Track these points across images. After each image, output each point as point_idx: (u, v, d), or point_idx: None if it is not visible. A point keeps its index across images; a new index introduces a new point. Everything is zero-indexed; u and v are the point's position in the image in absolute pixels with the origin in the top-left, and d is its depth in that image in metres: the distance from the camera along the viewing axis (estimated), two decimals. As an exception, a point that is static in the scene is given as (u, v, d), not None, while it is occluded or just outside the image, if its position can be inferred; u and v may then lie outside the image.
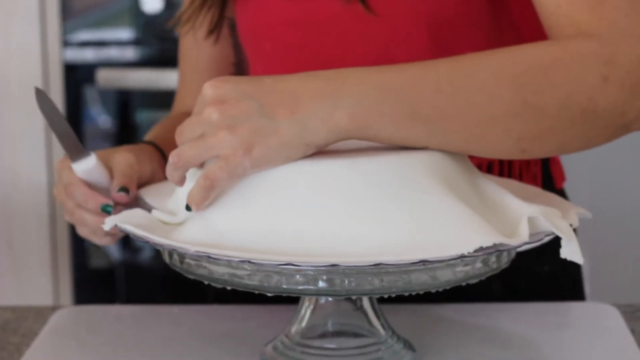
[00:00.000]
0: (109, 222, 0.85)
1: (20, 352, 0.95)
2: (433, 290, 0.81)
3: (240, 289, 0.81)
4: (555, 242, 0.81)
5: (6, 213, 2.13)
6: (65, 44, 2.22)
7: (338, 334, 0.89)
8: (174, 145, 0.84)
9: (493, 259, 0.82)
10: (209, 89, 0.81)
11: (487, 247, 0.78)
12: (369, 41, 1.00)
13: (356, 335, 0.89)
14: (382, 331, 0.90)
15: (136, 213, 0.86)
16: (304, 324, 0.90)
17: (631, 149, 2.25)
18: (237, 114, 0.79)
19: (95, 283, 2.39)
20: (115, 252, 2.39)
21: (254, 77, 0.83)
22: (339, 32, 1.01)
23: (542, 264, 1.07)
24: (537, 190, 0.96)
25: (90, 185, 0.93)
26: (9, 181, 2.12)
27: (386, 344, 0.89)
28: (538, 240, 0.81)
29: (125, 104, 2.42)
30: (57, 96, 2.12)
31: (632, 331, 0.98)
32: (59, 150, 2.12)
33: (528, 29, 1.00)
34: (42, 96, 0.90)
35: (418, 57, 0.85)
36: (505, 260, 0.84)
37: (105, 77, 2.29)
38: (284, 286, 0.79)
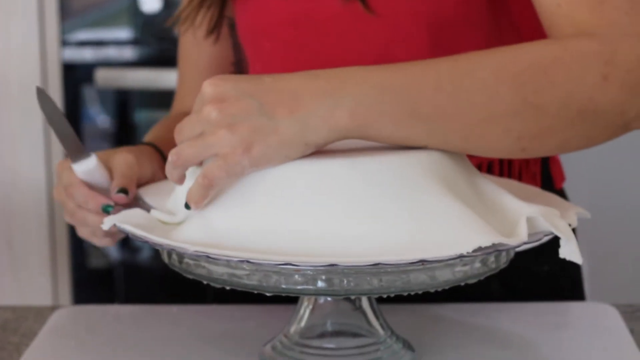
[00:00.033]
0: (107, 222, 0.85)
1: (20, 352, 0.95)
2: (432, 290, 0.81)
3: (239, 289, 0.81)
4: (555, 242, 0.81)
5: (6, 213, 2.13)
6: (64, 43, 2.22)
7: (337, 333, 0.89)
8: (173, 145, 0.83)
9: (492, 258, 0.82)
10: (209, 87, 0.80)
11: (486, 247, 0.78)
12: (368, 41, 1.00)
13: (355, 335, 0.89)
14: (381, 331, 0.90)
15: (135, 213, 0.86)
16: (302, 323, 0.90)
17: (631, 149, 2.25)
18: (237, 113, 0.79)
19: (95, 283, 2.39)
20: (114, 252, 2.39)
21: (253, 75, 0.83)
22: (339, 32, 1.01)
23: (541, 263, 1.07)
24: (536, 190, 0.96)
25: (90, 186, 0.93)
26: (8, 181, 2.12)
27: (385, 344, 0.89)
28: (537, 240, 0.81)
29: (124, 104, 2.42)
30: (56, 96, 2.12)
31: (632, 331, 0.98)
32: (58, 150, 2.12)
33: (528, 29, 1.00)
34: (43, 96, 0.90)
35: (418, 57, 0.85)
36: (504, 260, 0.84)
37: (103, 77, 2.29)
38: (283, 286, 0.79)
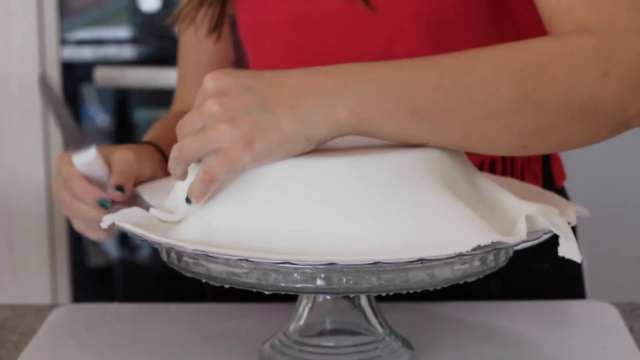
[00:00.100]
0: (106, 221, 0.85)
1: (19, 350, 0.95)
2: (431, 289, 0.81)
3: (237, 287, 0.81)
4: (555, 240, 0.81)
5: (5, 212, 2.13)
6: (63, 42, 2.22)
7: (336, 332, 0.89)
8: (173, 144, 0.83)
9: (491, 257, 0.82)
10: (210, 82, 0.80)
11: (485, 246, 0.78)
12: (369, 40, 1.00)
13: (354, 333, 0.89)
14: (380, 329, 0.90)
15: (134, 211, 0.86)
16: (301, 322, 0.90)
17: (631, 147, 2.25)
18: (238, 107, 0.79)
19: (94, 281, 2.39)
20: (113, 251, 2.39)
21: (254, 71, 0.82)
22: (339, 31, 1.01)
23: (541, 262, 1.07)
24: (535, 189, 0.96)
25: (88, 179, 0.93)
26: (8, 180, 2.12)
27: (384, 342, 0.89)
28: (536, 239, 0.81)
29: (123, 103, 2.42)
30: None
31: (631, 329, 0.98)
32: (57, 149, 2.12)
33: (528, 28, 1.00)
34: (46, 86, 0.89)
35: (418, 56, 0.84)
36: (503, 259, 0.84)
37: (103, 76, 2.29)
38: (282, 284, 0.79)
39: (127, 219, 0.84)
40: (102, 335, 0.97)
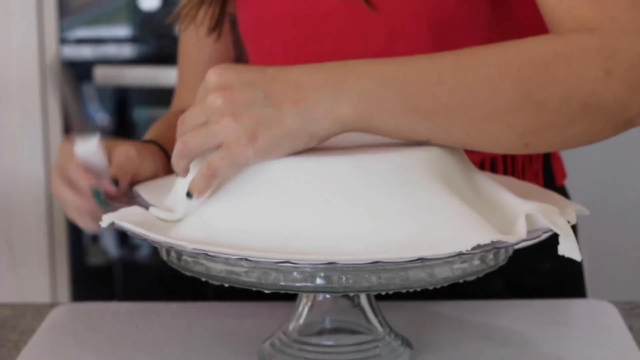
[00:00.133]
0: (106, 220, 0.85)
1: (19, 349, 0.95)
2: (431, 288, 0.81)
3: (237, 286, 0.81)
4: (555, 239, 0.81)
5: (4, 211, 2.13)
6: (63, 41, 2.22)
7: (336, 331, 0.89)
8: (174, 143, 0.83)
9: (490, 256, 0.82)
10: (213, 76, 0.80)
11: (485, 245, 0.78)
12: (369, 38, 1.00)
13: (354, 332, 0.89)
14: (379, 328, 0.90)
15: (134, 210, 0.86)
16: (301, 321, 0.90)
17: (632, 146, 2.25)
18: (242, 102, 0.79)
19: (93, 280, 2.39)
20: (113, 250, 2.39)
21: (256, 66, 0.82)
22: (339, 29, 1.01)
23: (542, 261, 1.07)
24: (534, 188, 0.96)
25: (86, 168, 0.93)
26: (7, 180, 2.12)
27: (384, 341, 0.89)
28: (536, 238, 0.81)
29: (123, 102, 2.42)
30: (54, 94, 2.11)
31: (630, 328, 0.98)
32: (56, 148, 2.12)
33: (529, 26, 1.00)
34: (63, 68, 0.89)
35: (419, 54, 0.84)
36: (502, 258, 0.84)
37: (102, 75, 2.29)
38: (282, 283, 0.79)
39: (127, 218, 0.84)
40: (102, 334, 0.97)
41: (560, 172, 1.12)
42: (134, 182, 0.96)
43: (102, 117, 2.44)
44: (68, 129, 0.97)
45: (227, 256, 0.77)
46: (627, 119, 0.84)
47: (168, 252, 0.84)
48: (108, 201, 0.92)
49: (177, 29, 1.18)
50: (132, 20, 2.40)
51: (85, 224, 0.97)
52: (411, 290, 0.81)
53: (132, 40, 2.36)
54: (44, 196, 2.13)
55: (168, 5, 2.34)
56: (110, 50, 2.35)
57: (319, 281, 0.79)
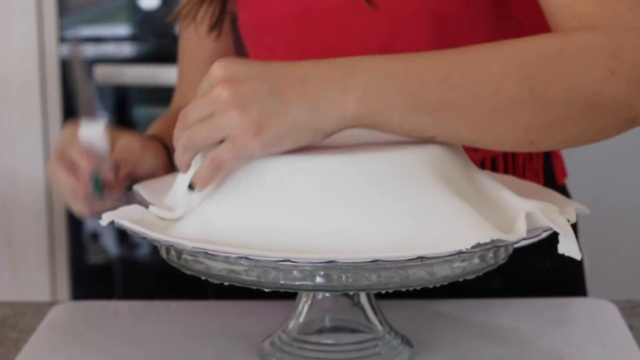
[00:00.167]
0: (106, 218, 0.85)
1: (18, 348, 0.95)
2: (430, 286, 0.81)
3: (237, 285, 0.81)
4: (556, 238, 0.82)
5: (4, 210, 2.13)
6: (63, 40, 2.22)
7: (335, 329, 0.89)
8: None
9: (490, 254, 0.82)
10: (218, 69, 0.80)
11: (485, 243, 0.78)
12: (370, 35, 1.00)
13: (353, 331, 0.89)
14: (379, 327, 0.90)
15: (133, 209, 0.86)
16: (301, 319, 0.90)
17: (634, 145, 2.25)
18: (248, 94, 0.78)
19: (93, 279, 2.39)
20: (112, 248, 2.39)
21: (262, 61, 0.82)
22: (340, 27, 1.01)
23: (543, 259, 1.07)
24: (534, 186, 0.96)
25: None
26: (7, 178, 2.12)
27: (384, 340, 0.89)
28: (536, 236, 0.81)
29: (123, 100, 2.42)
30: (54, 92, 2.12)
31: (630, 327, 0.98)
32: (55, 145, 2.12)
33: (530, 24, 1.00)
34: (76, 49, 0.89)
35: (421, 52, 0.85)
36: (502, 256, 0.84)
37: (102, 73, 2.29)
38: (282, 282, 0.79)
39: (127, 217, 0.84)
40: (102, 333, 0.97)
41: (561, 171, 1.12)
42: (132, 174, 0.96)
43: (101, 115, 2.44)
44: (73, 115, 0.97)
45: (227, 255, 0.77)
46: (631, 117, 0.84)
47: (168, 250, 0.84)
48: (104, 188, 0.91)
49: (177, 27, 1.18)
50: (132, 19, 2.40)
51: (78, 209, 0.96)
52: (411, 289, 0.81)
53: (132, 39, 2.36)
54: (43, 195, 2.13)
55: (168, 4, 2.34)
56: (110, 49, 2.35)
57: (318, 280, 0.79)
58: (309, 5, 1.02)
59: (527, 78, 0.81)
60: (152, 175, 0.98)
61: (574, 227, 0.83)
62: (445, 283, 0.81)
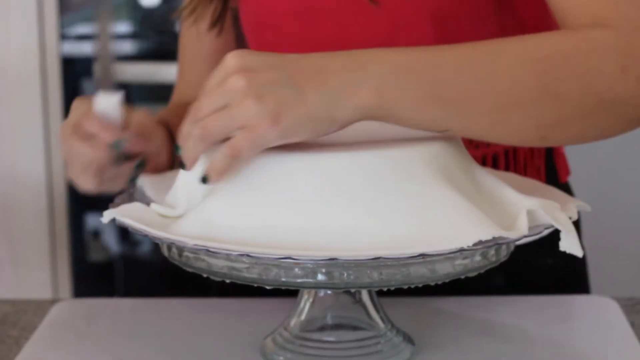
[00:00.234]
0: (107, 215, 0.85)
1: (20, 345, 0.95)
2: (432, 284, 0.81)
3: (238, 282, 0.81)
4: (558, 235, 0.81)
5: (5, 207, 2.13)
6: (63, 37, 2.22)
7: (337, 327, 0.89)
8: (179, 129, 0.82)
9: (492, 252, 0.82)
10: (233, 59, 0.79)
11: (486, 241, 0.78)
12: (371, 32, 1.00)
13: (355, 328, 0.89)
14: (381, 324, 0.89)
15: (135, 206, 0.86)
16: (303, 317, 0.89)
17: (638, 143, 2.25)
18: (264, 83, 0.78)
19: (94, 276, 2.39)
20: (114, 246, 2.39)
21: (275, 53, 0.82)
22: (341, 23, 1.01)
23: (545, 257, 1.07)
24: (536, 183, 0.96)
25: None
26: (8, 175, 2.12)
27: (385, 337, 0.89)
28: (537, 233, 0.81)
29: (123, 98, 2.41)
30: (55, 90, 2.11)
31: (632, 324, 0.98)
32: (56, 143, 2.12)
33: (531, 21, 1.00)
34: (104, 20, 0.88)
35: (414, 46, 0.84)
36: (504, 254, 0.84)
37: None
38: (283, 279, 0.79)
39: (128, 214, 0.84)
40: (103, 330, 0.97)
41: (563, 168, 1.12)
42: (144, 150, 0.95)
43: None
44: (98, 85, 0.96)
45: (228, 252, 0.77)
46: None
47: (169, 248, 0.84)
48: (126, 158, 0.91)
49: (177, 25, 1.18)
50: (133, 16, 2.40)
51: (87, 184, 0.94)
52: (412, 286, 0.80)
53: (133, 36, 2.36)
54: (45, 192, 2.13)
55: (168, 2, 2.33)
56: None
57: (320, 277, 0.79)
58: (311, 1, 1.02)
59: (541, 73, 0.81)
60: (157, 154, 0.97)
61: (577, 224, 0.83)
62: (447, 280, 0.81)
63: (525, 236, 0.80)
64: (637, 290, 2.19)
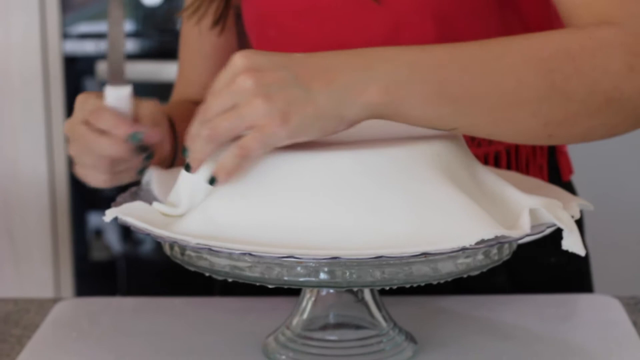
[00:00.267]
0: (109, 214, 0.85)
1: (22, 344, 0.95)
2: (434, 282, 0.81)
3: (240, 281, 0.81)
4: (561, 234, 0.81)
5: (7, 206, 2.13)
6: (65, 36, 2.22)
7: (339, 326, 0.89)
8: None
9: (494, 251, 0.82)
10: (241, 59, 0.79)
11: (489, 240, 0.78)
12: (373, 30, 1.00)
13: (357, 327, 0.89)
14: (383, 323, 0.89)
15: (137, 205, 0.86)
16: (305, 315, 0.89)
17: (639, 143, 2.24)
18: (272, 83, 0.78)
19: (96, 275, 2.39)
20: (116, 245, 2.39)
21: (282, 52, 0.82)
22: (343, 20, 1.01)
23: (548, 256, 1.07)
24: (538, 182, 0.96)
25: None
26: (10, 173, 2.12)
27: (388, 336, 0.89)
28: (539, 232, 0.81)
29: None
30: (57, 88, 2.11)
31: (634, 323, 0.98)
32: (59, 142, 2.12)
33: (534, 20, 1.00)
34: (117, 4, 0.88)
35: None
36: (506, 253, 0.84)
37: (105, 69, 2.29)
38: (285, 278, 0.79)
39: (131, 213, 0.84)
40: (105, 329, 0.97)
41: (566, 167, 1.12)
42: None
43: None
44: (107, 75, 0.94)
45: (230, 251, 0.77)
46: None
47: (171, 247, 0.84)
48: (145, 148, 0.91)
49: (179, 23, 1.18)
50: (135, 15, 2.40)
51: (98, 179, 0.93)
52: (415, 285, 0.80)
53: (135, 35, 2.35)
54: (47, 191, 2.13)
55: (170, 0, 2.33)
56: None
57: (322, 276, 0.79)
58: (314, -1, 1.02)
59: (548, 71, 0.81)
60: (162, 144, 0.97)
61: (580, 223, 0.83)
62: (449, 279, 0.81)
63: (528, 235, 0.80)
64: (640, 289, 2.19)
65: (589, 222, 1.14)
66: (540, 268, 1.08)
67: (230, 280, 0.81)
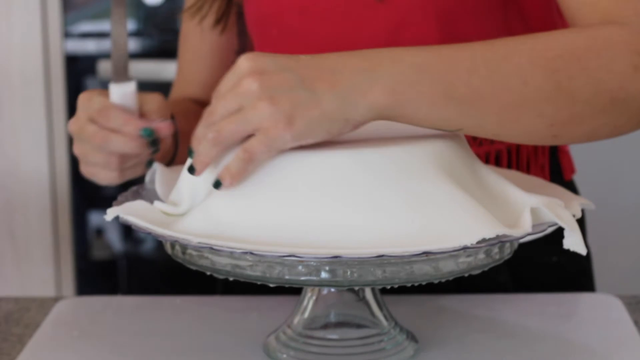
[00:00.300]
0: (110, 213, 0.85)
1: (23, 343, 0.95)
2: (436, 281, 0.81)
3: (242, 280, 0.81)
4: (562, 233, 0.81)
5: (8, 205, 2.13)
6: (66, 35, 2.22)
7: (341, 324, 0.89)
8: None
9: (496, 250, 0.82)
10: (246, 61, 0.79)
11: (490, 239, 0.78)
12: (375, 28, 1.00)
13: (359, 326, 0.89)
14: (384, 322, 0.89)
15: (138, 204, 0.86)
16: (306, 314, 0.89)
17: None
18: (278, 86, 0.78)
19: (98, 274, 2.39)
20: (117, 243, 2.39)
21: (287, 54, 0.82)
22: (345, 19, 1.01)
23: (550, 255, 1.07)
24: (539, 181, 0.96)
25: None
26: (11, 172, 2.12)
27: (389, 335, 0.89)
28: (541, 231, 0.81)
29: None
30: (58, 87, 2.11)
31: (636, 322, 0.98)
32: (60, 141, 2.12)
33: (536, 20, 1.00)
34: (119, 2, 0.88)
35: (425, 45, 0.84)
36: (507, 252, 0.84)
37: (106, 69, 2.29)
38: (287, 277, 0.79)
39: (132, 212, 0.84)
40: (106, 328, 0.97)
41: (568, 166, 1.11)
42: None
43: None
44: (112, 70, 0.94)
45: (231, 250, 0.77)
46: None
47: (172, 246, 0.84)
48: (158, 141, 0.91)
49: (180, 22, 1.18)
50: (136, 14, 2.40)
51: (109, 176, 0.93)
52: (416, 284, 0.80)
53: (136, 34, 2.35)
54: (48, 190, 2.13)
55: (172, 0, 2.33)
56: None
57: (323, 275, 0.79)
58: (316, -3, 1.02)
59: (554, 71, 0.80)
60: (164, 137, 0.97)
61: (581, 222, 0.83)
62: (451, 278, 0.81)
63: (529, 234, 0.80)
64: (641, 288, 2.19)
65: (591, 221, 1.14)
66: (541, 267, 1.08)
67: (231, 279, 0.81)
